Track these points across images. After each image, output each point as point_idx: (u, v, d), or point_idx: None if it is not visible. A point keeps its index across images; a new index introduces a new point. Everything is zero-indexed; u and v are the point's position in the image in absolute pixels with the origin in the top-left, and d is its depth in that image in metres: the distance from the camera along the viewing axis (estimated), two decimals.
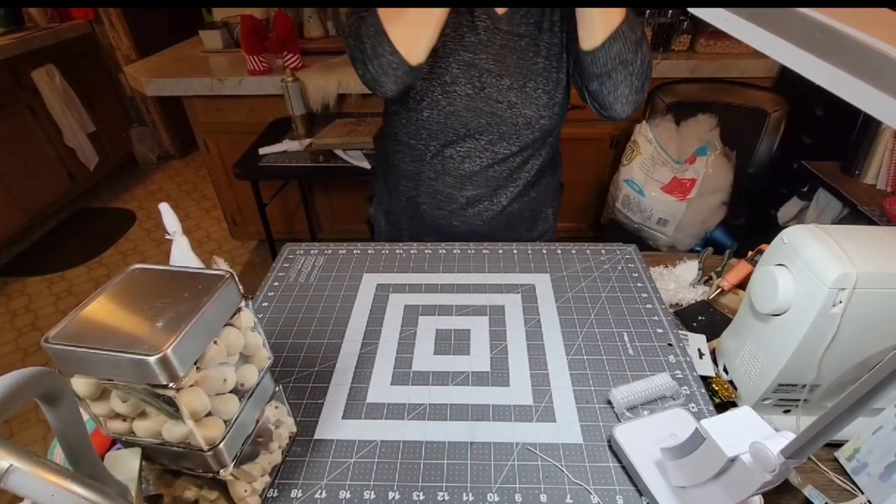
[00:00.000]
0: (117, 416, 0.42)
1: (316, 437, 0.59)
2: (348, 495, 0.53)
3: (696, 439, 0.45)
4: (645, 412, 0.60)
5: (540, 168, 0.96)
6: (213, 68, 2.08)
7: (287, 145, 1.80)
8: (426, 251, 0.89)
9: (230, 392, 0.45)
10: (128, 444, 0.44)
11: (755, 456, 0.39)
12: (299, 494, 0.53)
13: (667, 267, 0.88)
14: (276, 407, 0.54)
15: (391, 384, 0.65)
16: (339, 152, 1.72)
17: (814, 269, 0.51)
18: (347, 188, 2.26)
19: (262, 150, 1.77)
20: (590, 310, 0.75)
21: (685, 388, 0.62)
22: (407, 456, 0.56)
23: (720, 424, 0.44)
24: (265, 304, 0.79)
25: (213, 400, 0.42)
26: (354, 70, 0.79)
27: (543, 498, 0.52)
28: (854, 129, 1.49)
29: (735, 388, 0.64)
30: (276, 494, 0.53)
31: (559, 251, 0.88)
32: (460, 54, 0.82)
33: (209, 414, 0.42)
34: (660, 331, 0.71)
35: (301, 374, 0.67)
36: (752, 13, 0.27)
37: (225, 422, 0.44)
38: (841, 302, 0.50)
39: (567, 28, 0.83)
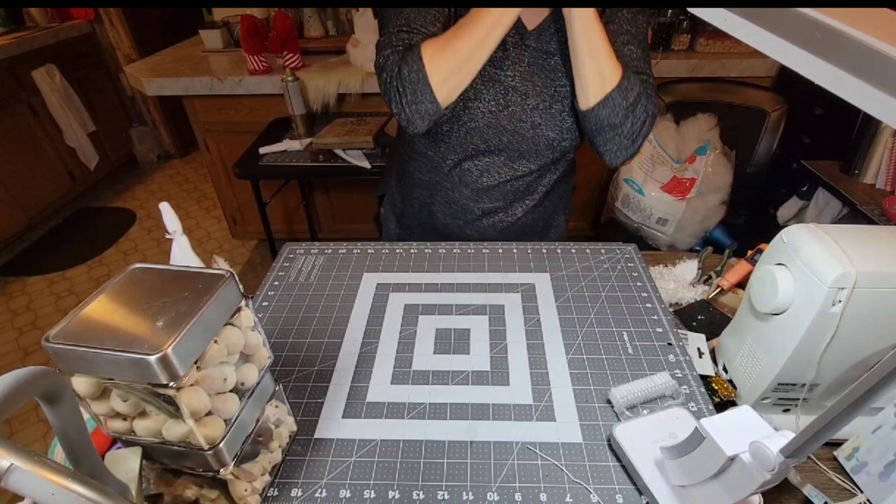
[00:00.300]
0: (118, 415, 0.42)
1: (316, 436, 0.59)
2: (348, 494, 0.53)
3: (696, 438, 0.45)
4: (644, 411, 0.60)
5: (556, 181, 0.95)
6: (213, 68, 2.08)
7: (287, 145, 1.80)
8: (426, 251, 0.89)
9: (230, 391, 0.45)
10: (128, 444, 0.44)
11: (755, 455, 0.39)
12: (299, 493, 0.53)
13: (666, 266, 0.88)
14: (277, 406, 0.54)
15: (391, 383, 0.65)
16: (339, 152, 1.72)
17: (813, 269, 0.51)
18: (347, 188, 2.26)
19: (262, 150, 1.77)
20: (589, 309, 0.75)
21: (685, 387, 0.63)
22: (407, 455, 0.56)
23: (720, 423, 0.44)
24: (265, 303, 0.79)
25: (213, 399, 0.42)
26: (386, 104, 0.77)
27: (543, 497, 0.52)
28: (853, 129, 1.49)
29: (734, 387, 0.64)
30: (276, 493, 0.53)
31: (559, 250, 0.88)
32: (485, 69, 0.78)
33: (209, 413, 0.42)
34: (659, 330, 0.71)
35: (301, 373, 0.67)
36: (752, 13, 0.27)
37: (225, 421, 0.44)
38: (840, 301, 0.50)
39: None
